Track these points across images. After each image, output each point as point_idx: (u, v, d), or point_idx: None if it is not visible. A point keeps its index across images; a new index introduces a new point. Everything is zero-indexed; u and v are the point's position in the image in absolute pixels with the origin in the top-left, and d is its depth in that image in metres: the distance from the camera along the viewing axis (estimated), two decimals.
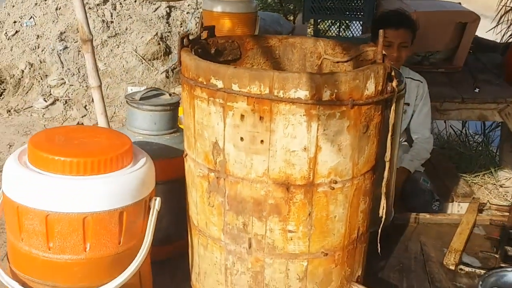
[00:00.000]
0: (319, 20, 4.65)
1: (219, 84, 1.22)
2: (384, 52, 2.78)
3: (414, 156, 2.99)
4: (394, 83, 1.36)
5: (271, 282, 1.35)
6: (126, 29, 6.21)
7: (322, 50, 1.60)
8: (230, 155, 1.27)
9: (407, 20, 2.78)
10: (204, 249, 1.42)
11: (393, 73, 1.38)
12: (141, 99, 1.61)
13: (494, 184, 4.64)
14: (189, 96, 1.32)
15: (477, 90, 3.61)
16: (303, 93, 1.19)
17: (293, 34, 5.13)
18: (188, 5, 6.71)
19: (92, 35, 2.05)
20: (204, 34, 1.51)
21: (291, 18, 6.67)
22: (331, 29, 5.53)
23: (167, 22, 7.21)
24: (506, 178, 4.51)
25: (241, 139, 1.24)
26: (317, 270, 1.35)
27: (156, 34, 6.74)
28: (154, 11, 7.29)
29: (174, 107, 1.63)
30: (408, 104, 2.98)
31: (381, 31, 1.36)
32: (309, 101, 1.19)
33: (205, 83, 1.25)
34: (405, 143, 3.11)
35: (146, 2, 7.06)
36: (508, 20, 4.22)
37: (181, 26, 7.28)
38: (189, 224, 1.48)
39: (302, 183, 1.26)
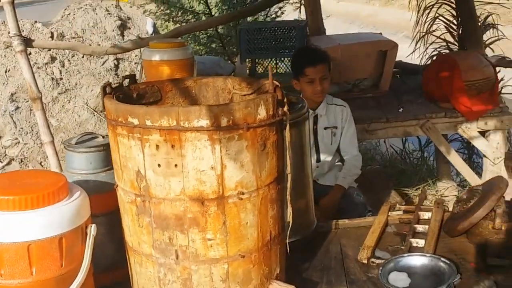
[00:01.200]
0: (256, 60, 4.99)
1: (135, 121, 1.47)
2: (307, 88, 3.09)
3: (346, 173, 3.28)
4: (285, 108, 1.64)
5: (198, 286, 1.57)
6: (76, 84, 6.39)
7: (231, 86, 1.88)
8: (151, 180, 1.51)
9: (321, 55, 3.12)
10: (140, 266, 1.63)
11: (285, 100, 1.66)
12: (76, 143, 1.84)
13: (435, 194, 4.99)
14: (113, 134, 1.56)
15: (401, 110, 3.98)
16: (204, 122, 1.45)
17: (235, 74, 5.45)
18: (136, 56, 6.99)
19: (41, 93, 2.25)
20: (125, 82, 1.77)
21: (236, 59, 7.05)
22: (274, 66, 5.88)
23: (116, 74, 7.45)
24: (445, 188, 4.86)
25: (159, 165, 1.48)
26: (237, 271, 1.58)
27: None
28: (102, 65, 7.53)
29: (106, 147, 1.86)
30: (336, 127, 3.31)
31: (269, 66, 1.64)
32: (210, 128, 1.45)
33: (124, 122, 1.50)
34: (339, 163, 3.40)
35: (93, 56, 7.31)
36: (424, 44, 4.66)
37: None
38: (126, 247, 1.69)
39: (214, 196, 1.50)
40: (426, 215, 2.18)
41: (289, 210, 1.68)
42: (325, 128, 3.25)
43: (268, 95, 1.56)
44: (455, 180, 4.98)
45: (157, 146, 1.47)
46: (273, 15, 6.61)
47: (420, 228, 2.10)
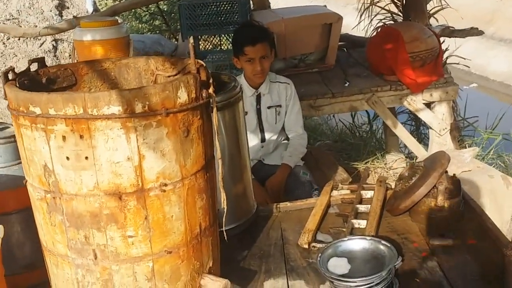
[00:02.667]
0: (199, 36, 4.79)
1: (37, 110, 1.31)
2: (248, 67, 2.98)
3: (292, 152, 3.20)
4: (211, 90, 1.50)
5: (121, 287, 1.43)
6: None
7: (154, 67, 1.72)
8: (60, 175, 1.35)
9: (261, 33, 3.00)
10: (56, 268, 1.48)
11: (210, 81, 1.52)
12: None
13: (383, 167, 4.99)
14: (16, 125, 1.39)
15: (347, 84, 3.91)
16: (116, 109, 1.30)
17: (177, 52, 5.25)
18: None
19: None
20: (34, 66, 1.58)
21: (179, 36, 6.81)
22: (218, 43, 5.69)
23: (54, 55, 7.09)
24: (393, 160, 4.87)
25: (67, 158, 1.33)
26: (163, 268, 1.45)
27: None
28: (40, 46, 7.15)
29: None
30: (280, 106, 3.21)
31: (190, 39, 1.49)
32: (122, 115, 1.30)
33: (25, 111, 1.33)
34: (285, 141, 3.33)
35: (30, 38, 6.92)
36: (369, 16, 4.59)
37: (69, 58, 7.21)
38: (42, 247, 1.54)
39: (132, 190, 1.36)
40: (368, 194, 2.11)
41: (223, 196, 1.56)
42: (269, 107, 3.15)
43: (189, 76, 1.42)
44: (403, 152, 5.00)
45: (64, 137, 1.31)
46: None
47: (362, 208, 2.03)
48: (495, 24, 11.74)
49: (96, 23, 3.46)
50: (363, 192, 2.13)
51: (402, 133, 3.93)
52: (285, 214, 2.14)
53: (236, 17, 4.50)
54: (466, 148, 4.85)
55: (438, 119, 3.83)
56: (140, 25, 6.36)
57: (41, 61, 1.62)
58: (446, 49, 4.53)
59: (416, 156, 4.10)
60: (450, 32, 4.17)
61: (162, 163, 1.39)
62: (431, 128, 3.91)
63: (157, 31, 6.84)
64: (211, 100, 1.51)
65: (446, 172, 1.96)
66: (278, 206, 2.17)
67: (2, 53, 7.09)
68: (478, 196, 3.39)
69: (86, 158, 1.32)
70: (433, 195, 1.87)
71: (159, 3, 6.21)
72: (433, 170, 1.88)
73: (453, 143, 4.10)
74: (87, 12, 8.18)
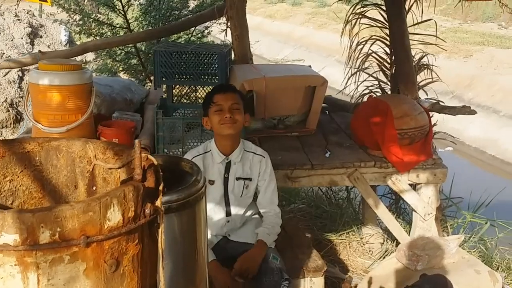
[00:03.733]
0: (173, 86, 4.45)
1: None
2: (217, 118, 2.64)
3: (270, 230, 2.87)
4: (159, 202, 1.13)
5: None
6: None
7: (92, 154, 1.34)
8: None
9: (233, 87, 2.85)
10: None
11: (160, 188, 1.14)
12: None
13: (359, 241, 4.63)
14: None
15: (327, 154, 3.58)
16: (11, 238, 0.90)
17: (148, 99, 4.88)
18: None
19: None
20: None
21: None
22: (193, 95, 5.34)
23: (19, 87, 6.67)
24: (370, 235, 4.52)
25: None
26: None
27: (5, 100, 6.16)
28: (4, 76, 6.74)
29: None
30: (250, 179, 2.88)
31: (136, 141, 1.12)
32: (19, 247, 0.91)
33: None
34: (255, 216, 2.98)
35: None
36: (355, 82, 4.32)
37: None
38: None
39: None
40: None
41: None
42: (237, 179, 2.80)
43: (127, 189, 1.04)
44: (381, 227, 4.67)
45: None
46: (199, 35, 6.10)
47: None
48: (474, 89, 11.81)
49: (55, 66, 3.10)
50: None
51: (384, 214, 3.60)
52: None
53: (214, 69, 4.19)
54: (448, 228, 4.55)
55: (423, 203, 3.51)
56: (113, 64, 6.00)
57: None
58: (434, 124, 4.27)
59: (397, 240, 3.76)
60: (441, 108, 3.91)
61: None
62: (415, 211, 3.58)
63: (132, 71, 6.49)
64: (158, 216, 1.13)
65: None
66: None
67: None
68: None
69: None
70: None
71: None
72: None
73: (436, 225, 3.78)
74: (60, 42, 7.83)
